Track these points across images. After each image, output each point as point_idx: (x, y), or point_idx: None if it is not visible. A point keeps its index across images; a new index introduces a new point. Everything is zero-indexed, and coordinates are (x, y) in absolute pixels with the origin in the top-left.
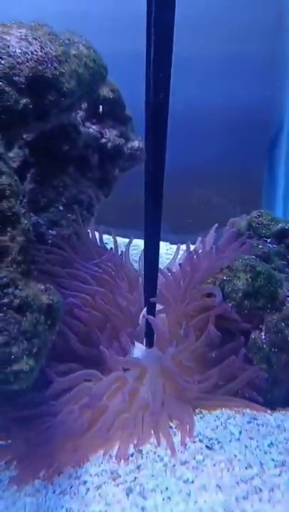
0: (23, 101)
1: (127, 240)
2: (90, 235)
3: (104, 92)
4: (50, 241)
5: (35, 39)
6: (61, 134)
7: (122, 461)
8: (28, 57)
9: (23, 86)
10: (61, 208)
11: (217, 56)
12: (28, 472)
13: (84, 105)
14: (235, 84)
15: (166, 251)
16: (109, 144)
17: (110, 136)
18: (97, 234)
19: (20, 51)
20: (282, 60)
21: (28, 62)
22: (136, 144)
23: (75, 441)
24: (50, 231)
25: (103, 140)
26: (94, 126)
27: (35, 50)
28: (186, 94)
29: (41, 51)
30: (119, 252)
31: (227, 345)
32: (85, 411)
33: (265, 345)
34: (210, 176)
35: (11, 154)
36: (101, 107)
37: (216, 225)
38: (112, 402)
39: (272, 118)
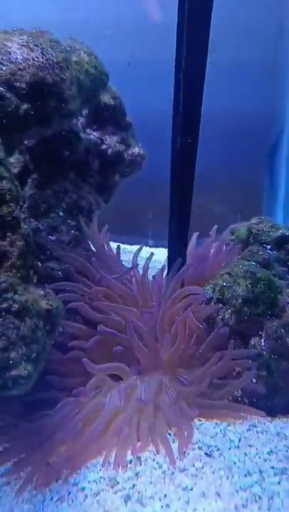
0: (24, 106)
1: (128, 247)
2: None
3: (106, 98)
4: (49, 246)
5: (37, 45)
6: (62, 139)
7: (120, 468)
8: (30, 63)
9: (24, 92)
10: (61, 213)
11: (218, 64)
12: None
13: (85, 112)
14: (236, 92)
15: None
16: (110, 150)
17: (111, 142)
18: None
19: (21, 57)
20: (283, 68)
21: (29, 68)
22: (136, 150)
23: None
24: (50, 236)
25: (104, 146)
26: (95, 133)
27: (37, 57)
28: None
29: (42, 57)
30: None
31: (210, 338)
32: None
33: (264, 352)
34: (211, 184)
35: (11, 160)
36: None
37: (197, 233)
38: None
39: (273, 126)
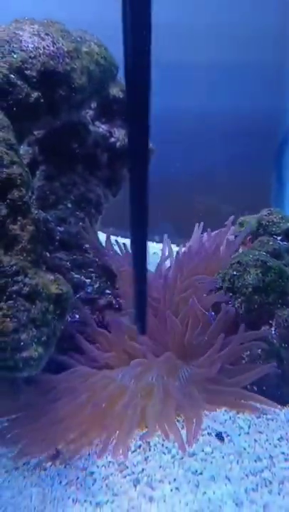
0: (35, 95)
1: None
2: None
3: (115, 91)
4: (58, 237)
5: (48, 35)
6: (71, 132)
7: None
8: (40, 52)
9: (34, 80)
10: (70, 205)
11: (226, 64)
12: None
13: (94, 104)
14: (244, 92)
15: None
16: (118, 143)
17: (119, 135)
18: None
19: (32, 46)
20: None
21: (40, 56)
22: None
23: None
24: (59, 227)
25: (112, 139)
26: (103, 126)
27: (47, 46)
28: (195, 102)
29: (53, 46)
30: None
31: (215, 322)
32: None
33: (275, 341)
34: (218, 183)
35: (20, 151)
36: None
37: (202, 223)
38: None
39: (280, 125)
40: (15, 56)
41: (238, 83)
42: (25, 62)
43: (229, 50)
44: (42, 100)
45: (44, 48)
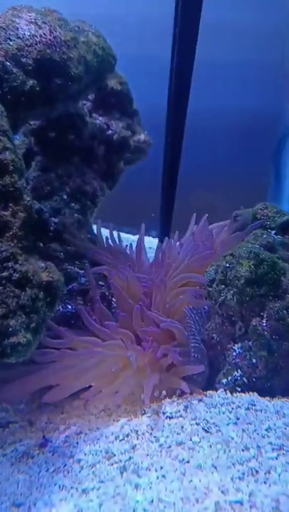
0: (30, 82)
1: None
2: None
3: (113, 83)
4: (52, 228)
5: (45, 23)
6: (67, 123)
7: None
8: (37, 39)
9: (30, 68)
10: (65, 196)
11: (227, 62)
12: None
13: (91, 96)
14: (244, 91)
15: None
16: (116, 136)
17: (117, 128)
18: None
19: (29, 34)
20: None
21: (36, 44)
22: (142, 137)
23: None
24: (53, 218)
25: (109, 132)
26: (100, 118)
27: (44, 34)
28: (193, 100)
29: (50, 35)
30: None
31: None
32: None
33: (266, 333)
34: (217, 179)
35: (16, 142)
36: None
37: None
38: None
39: (279, 123)
40: (11, 43)
41: (236, 81)
42: (21, 49)
43: (231, 48)
44: (38, 89)
45: (41, 36)
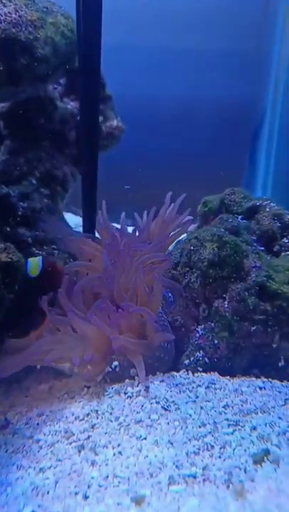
0: None
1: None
2: None
3: None
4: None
5: (10, 1)
6: (37, 106)
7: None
8: (2, 18)
9: None
10: (34, 181)
11: (202, 51)
12: None
13: (62, 81)
14: (221, 80)
15: None
16: None
17: None
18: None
19: None
20: (267, 56)
21: (0, 23)
22: (114, 123)
23: None
24: (21, 203)
25: None
26: (72, 103)
27: (9, 12)
28: (173, 89)
29: (15, 14)
30: None
31: None
32: None
33: (227, 314)
34: (193, 168)
35: None
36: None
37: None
38: None
39: (255, 111)
40: None
41: (212, 70)
42: None
43: (208, 39)
44: (1, 68)
45: (6, 14)
